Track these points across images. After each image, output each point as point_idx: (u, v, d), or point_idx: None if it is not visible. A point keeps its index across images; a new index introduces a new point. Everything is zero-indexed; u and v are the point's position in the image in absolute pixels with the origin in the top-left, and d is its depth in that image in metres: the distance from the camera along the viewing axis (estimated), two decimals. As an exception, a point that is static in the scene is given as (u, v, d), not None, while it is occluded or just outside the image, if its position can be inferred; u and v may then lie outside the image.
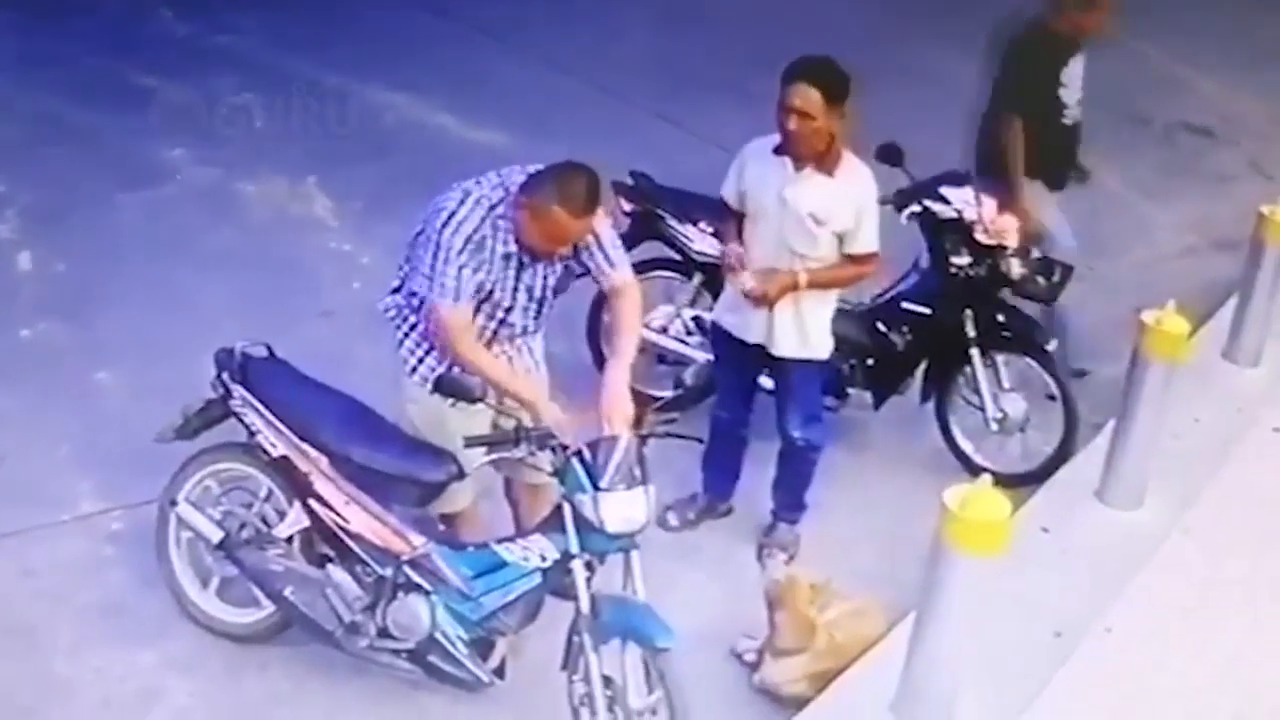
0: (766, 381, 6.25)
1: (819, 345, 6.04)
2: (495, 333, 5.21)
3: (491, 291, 5.07)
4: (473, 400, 4.92)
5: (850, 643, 5.55)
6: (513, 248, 5.02)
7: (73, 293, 7.86)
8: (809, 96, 5.56)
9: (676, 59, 11.42)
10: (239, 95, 10.14)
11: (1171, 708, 5.41)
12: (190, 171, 9.30)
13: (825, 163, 5.72)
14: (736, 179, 5.94)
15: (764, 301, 5.84)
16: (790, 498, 6.38)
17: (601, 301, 7.11)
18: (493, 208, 4.99)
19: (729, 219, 6.04)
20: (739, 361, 6.12)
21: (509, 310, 5.17)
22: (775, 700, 5.54)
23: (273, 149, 9.53)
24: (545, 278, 5.17)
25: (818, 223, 5.74)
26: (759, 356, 6.06)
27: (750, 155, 5.92)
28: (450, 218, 4.96)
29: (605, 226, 5.22)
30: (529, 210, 4.92)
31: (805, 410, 6.16)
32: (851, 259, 5.86)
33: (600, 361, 7.20)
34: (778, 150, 5.79)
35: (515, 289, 5.13)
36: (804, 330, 5.95)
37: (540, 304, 5.24)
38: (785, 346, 5.97)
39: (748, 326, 6.00)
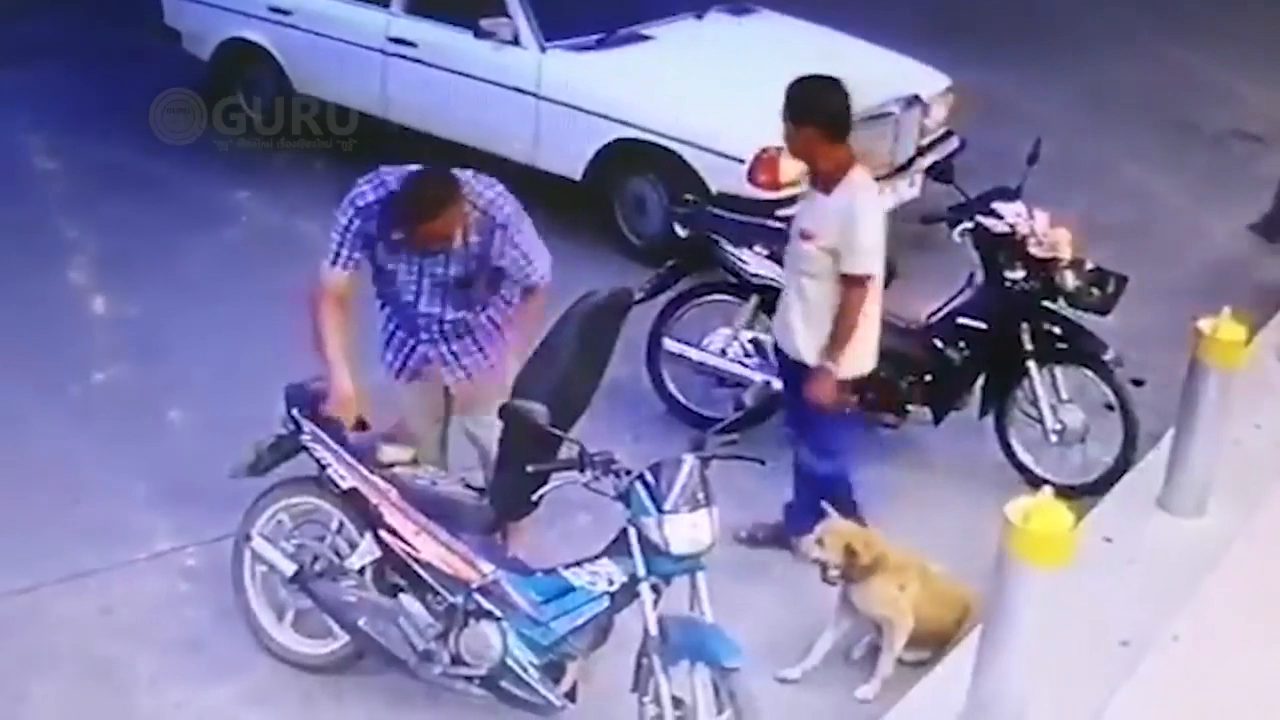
0: None
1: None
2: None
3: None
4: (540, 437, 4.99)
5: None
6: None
7: (144, 335, 8.02)
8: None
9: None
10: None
11: (1240, 715, 5.40)
12: (255, 214, 9.47)
13: (826, 183, 5.86)
14: None
15: (837, 399, 5.92)
16: (794, 522, 6.19)
17: (661, 326, 7.19)
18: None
19: None
20: (799, 383, 6.17)
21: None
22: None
23: (334, 189, 9.59)
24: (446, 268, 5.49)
25: (804, 237, 5.88)
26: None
27: None
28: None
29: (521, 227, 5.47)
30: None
31: (816, 435, 6.12)
32: (844, 280, 5.80)
33: (661, 387, 7.29)
34: None
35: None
36: (811, 332, 5.95)
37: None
38: (801, 350, 6.01)
39: (785, 340, 6.11)
